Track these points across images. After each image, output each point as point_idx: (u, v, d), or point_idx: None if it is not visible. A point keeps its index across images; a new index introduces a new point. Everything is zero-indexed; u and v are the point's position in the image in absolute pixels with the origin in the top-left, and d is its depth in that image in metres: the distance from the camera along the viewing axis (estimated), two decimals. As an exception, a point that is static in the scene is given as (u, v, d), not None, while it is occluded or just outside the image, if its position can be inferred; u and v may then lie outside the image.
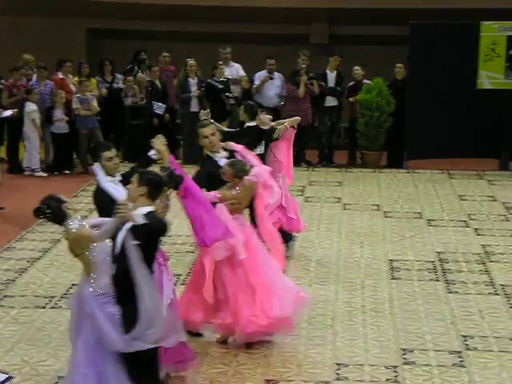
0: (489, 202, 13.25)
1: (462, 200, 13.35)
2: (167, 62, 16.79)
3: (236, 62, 16.38)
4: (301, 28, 18.21)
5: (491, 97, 15.36)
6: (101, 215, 6.67)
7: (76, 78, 15.96)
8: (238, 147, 8.15)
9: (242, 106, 10.46)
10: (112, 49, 18.23)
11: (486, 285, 9.35)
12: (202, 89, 15.83)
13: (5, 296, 8.92)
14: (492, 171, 15.50)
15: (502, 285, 9.36)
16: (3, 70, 15.83)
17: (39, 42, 17.90)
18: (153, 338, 5.84)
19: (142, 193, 5.95)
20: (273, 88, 16.08)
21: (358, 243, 10.95)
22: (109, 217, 6.06)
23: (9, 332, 7.95)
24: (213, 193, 7.57)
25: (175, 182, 6.79)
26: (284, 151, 10.07)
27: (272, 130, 9.90)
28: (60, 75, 15.84)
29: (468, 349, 7.61)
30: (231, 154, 8.01)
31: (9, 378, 6.08)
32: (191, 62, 15.98)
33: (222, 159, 7.88)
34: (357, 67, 16.21)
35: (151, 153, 7.14)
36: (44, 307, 8.57)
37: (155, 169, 6.61)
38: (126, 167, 7.38)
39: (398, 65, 15.99)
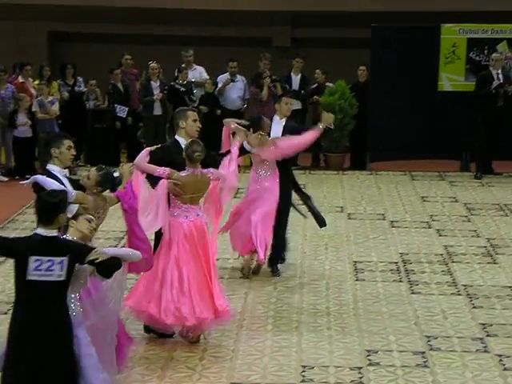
0: (450, 203, 13.35)
1: (424, 201, 13.44)
2: (129, 65, 16.72)
3: (199, 65, 16.38)
4: (263, 31, 18.25)
5: (452, 99, 15.49)
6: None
7: (37, 82, 15.85)
8: (234, 151, 8.08)
9: (250, 120, 9.52)
10: (74, 52, 18.15)
11: (449, 285, 9.41)
12: (165, 92, 15.81)
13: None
14: (453, 172, 15.62)
15: (464, 285, 9.43)
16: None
17: (0, 45, 17.75)
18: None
19: None
20: (235, 91, 16.09)
21: (322, 245, 10.98)
22: None
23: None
24: (165, 168, 7.52)
25: (111, 183, 6.90)
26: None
27: None
28: (20, 79, 15.73)
29: (431, 349, 7.65)
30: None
31: None
32: (153, 64, 15.95)
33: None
34: (318, 70, 16.28)
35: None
36: (6, 313, 8.46)
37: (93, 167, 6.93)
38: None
39: (361, 67, 16.07)
